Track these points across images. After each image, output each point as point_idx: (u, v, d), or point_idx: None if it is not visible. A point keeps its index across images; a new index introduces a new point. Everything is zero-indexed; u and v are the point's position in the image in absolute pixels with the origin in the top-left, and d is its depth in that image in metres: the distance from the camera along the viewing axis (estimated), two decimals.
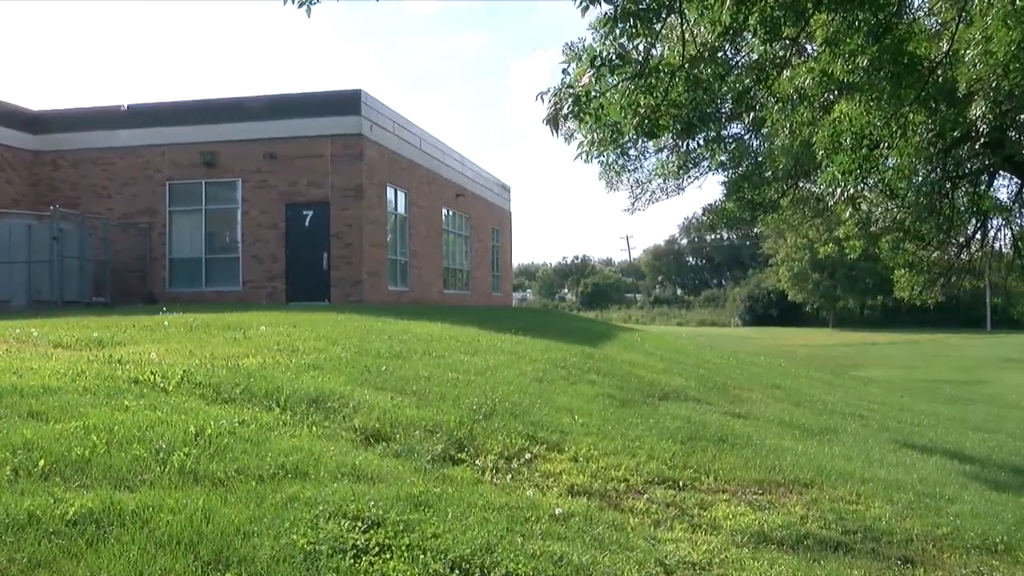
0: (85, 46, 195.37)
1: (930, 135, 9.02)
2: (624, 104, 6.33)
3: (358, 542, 3.32)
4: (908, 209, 11.91)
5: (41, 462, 3.63)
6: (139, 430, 4.20)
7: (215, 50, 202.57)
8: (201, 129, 19.16)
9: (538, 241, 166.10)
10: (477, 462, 4.83)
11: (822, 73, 7.51)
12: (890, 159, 8.79)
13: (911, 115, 7.75)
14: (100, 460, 3.75)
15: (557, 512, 4.07)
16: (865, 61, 6.82)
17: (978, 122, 7.74)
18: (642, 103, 6.45)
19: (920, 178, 11.03)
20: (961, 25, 7.46)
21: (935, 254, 14.17)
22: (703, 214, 15.46)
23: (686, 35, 6.56)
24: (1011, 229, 13.08)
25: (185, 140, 19.16)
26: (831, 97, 8.11)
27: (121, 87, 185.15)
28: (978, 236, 13.57)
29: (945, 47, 7.37)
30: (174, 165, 19.25)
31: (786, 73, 8.01)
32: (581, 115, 6.08)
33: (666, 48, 7.36)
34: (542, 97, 6.06)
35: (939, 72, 7.48)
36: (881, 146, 7.89)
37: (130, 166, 19.44)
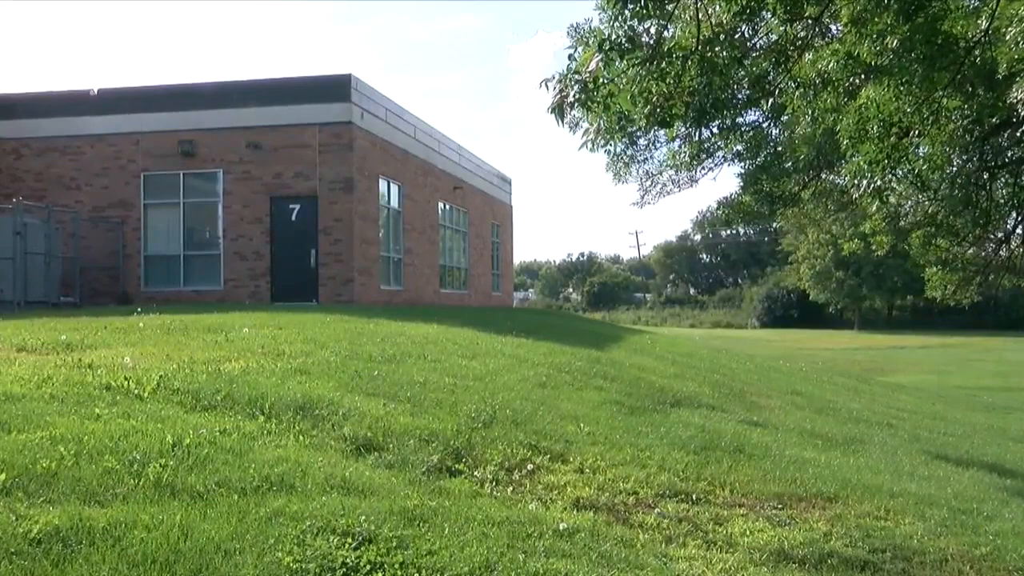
0: (51, 25, 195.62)
1: (966, 121, 8.98)
2: (635, 92, 6.32)
3: (348, 560, 3.32)
4: (941, 202, 11.87)
5: (2, 476, 3.62)
6: (111, 440, 4.20)
7: (194, 31, 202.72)
8: (179, 116, 19.15)
9: (541, 237, 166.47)
10: (476, 473, 4.84)
11: (847, 55, 7.49)
12: (921, 148, 8.76)
13: (945, 100, 7.72)
14: (68, 473, 3.74)
15: (561, 527, 4.07)
16: (895, 42, 6.80)
17: (1019, 107, 7.70)
18: (654, 91, 6.44)
19: (954, 168, 10.99)
20: (1003, 0, 7.40)
21: (971, 250, 14.14)
22: (718, 208, 15.46)
23: (700, 15, 6.55)
24: None
25: (161, 128, 19.14)
26: (857, 81, 8.08)
27: (91, 70, 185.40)
28: (1019, 231, 13.54)
29: (984, 24, 7.31)
30: (149, 155, 19.25)
31: (808, 56, 7.99)
32: (589, 103, 6.07)
33: (678, 29, 7.35)
34: (547, 84, 6.05)
35: (977, 52, 7.43)
36: (912, 134, 7.86)
37: (101, 156, 19.43)
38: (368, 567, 3.30)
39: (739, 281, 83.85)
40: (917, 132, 7.87)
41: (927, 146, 8.65)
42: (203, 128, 19.02)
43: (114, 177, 19.37)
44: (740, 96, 10.03)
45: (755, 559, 4.17)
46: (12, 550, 3.05)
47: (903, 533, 4.83)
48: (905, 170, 8.72)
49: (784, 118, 11.70)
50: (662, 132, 11.32)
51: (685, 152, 12.46)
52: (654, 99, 6.57)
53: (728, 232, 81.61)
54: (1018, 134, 10.45)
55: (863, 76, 7.88)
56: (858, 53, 7.21)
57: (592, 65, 5.99)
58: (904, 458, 7.83)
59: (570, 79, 6.02)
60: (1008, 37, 7.28)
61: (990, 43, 7.60)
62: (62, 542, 3.14)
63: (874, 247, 16.77)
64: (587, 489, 4.85)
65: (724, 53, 6.90)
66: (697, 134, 11.37)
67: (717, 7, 6.72)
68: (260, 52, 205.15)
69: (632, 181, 13.88)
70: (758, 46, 8.79)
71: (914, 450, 8.63)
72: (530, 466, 5.12)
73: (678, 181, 13.74)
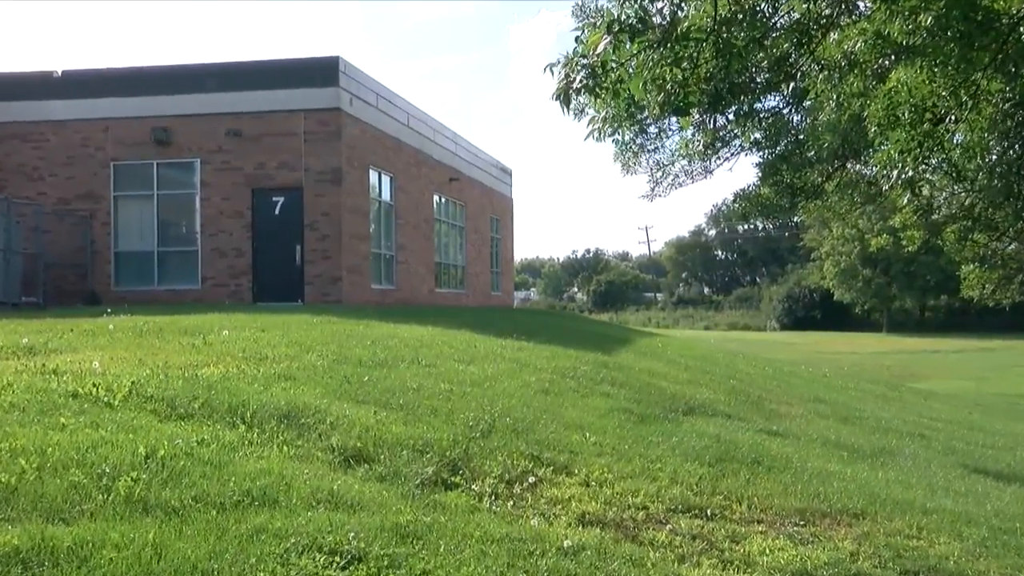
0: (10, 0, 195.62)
1: (1008, 105, 8.94)
2: (647, 79, 6.31)
3: None
4: (979, 193, 11.85)
5: None
6: (78, 452, 4.19)
7: (169, 9, 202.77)
8: (152, 101, 19.14)
9: (544, 232, 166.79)
10: (473, 487, 4.84)
11: (876, 35, 7.47)
12: (957, 135, 8.74)
13: (985, 82, 7.68)
14: (30, 488, 3.73)
15: (566, 545, 4.07)
16: (929, 19, 6.77)
17: None
18: (668, 77, 6.43)
19: (994, 157, 10.96)
20: None
21: (1011, 246, 14.10)
22: (734, 201, 15.40)
23: None
24: None
25: (133, 113, 19.13)
26: (887, 63, 8.06)
27: (54, 49, 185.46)
28: None
29: None
30: (120, 143, 19.24)
31: (833, 36, 7.97)
32: (596, 90, 6.06)
33: (692, 8, 7.34)
34: (551, 69, 6.04)
35: (1022, 29, 7.40)
36: (947, 120, 7.83)
37: (66, 143, 19.40)
38: None
39: (757, 280, 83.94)
40: (953, 118, 7.83)
41: (964, 133, 8.62)
42: (179, 114, 19.01)
43: (81, 167, 19.35)
44: (759, 80, 10.02)
45: None
46: None
47: (938, 554, 4.82)
48: (939, 159, 8.70)
49: (806, 103, 11.67)
50: (674, 119, 11.32)
51: (699, 141, 12.44)
52: (667, 86, 6.56)
53: (745, 227, 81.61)
54: None
55: (893, 57, 7.85)
56: (888, 32, 7.18)
57: (600, 48, 5.97)
58: (938, 472, 7.83)
59: (576, 63, 6.01)
60: None
61: None
62: (22, 564, 3.12)
63: (905, 243, 16.75)
64: (593, 504, 4.85)
65: (742, 34, 6.88)
66: (712, 121, 11.38)
67: None
68: (243, 32, 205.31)
69: (641, 172, 13.86)
70: (779, 25, 8.78)
71: (949, 463, 8.63)
72: (532, 479, 5.12)
73: (691, 172, 13.72)
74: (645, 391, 8.98)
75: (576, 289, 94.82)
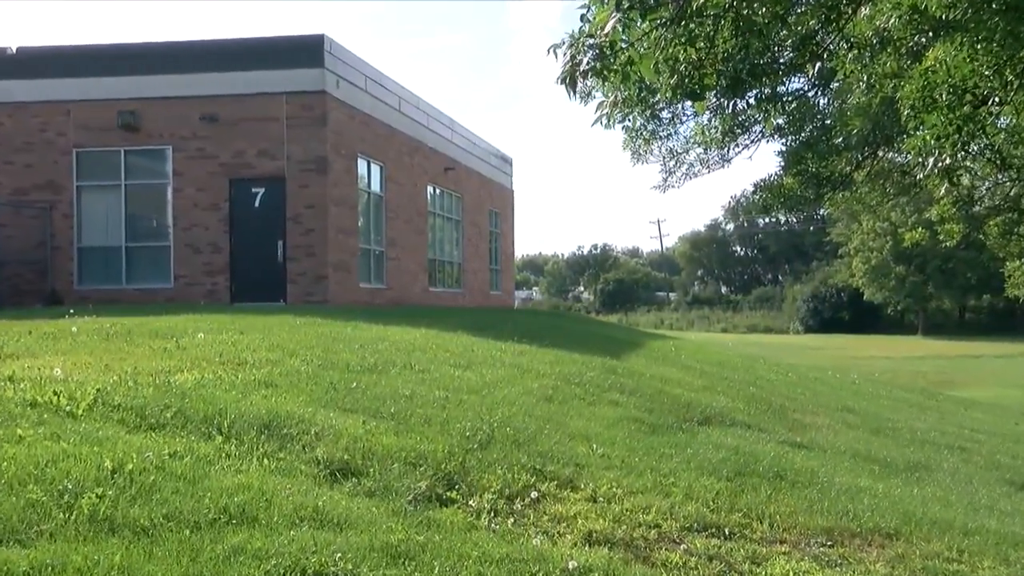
0: None
1: None
2: (659, 59, 6.31)
3: None
4: None
5: None
6: (36, 467, 4.19)
7: None
8: (119, 82, 19.14)
9: (547, 227, 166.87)
10: (471, 502, 4.85)
11: (912, 9, 7.46)
12: (1002, 118, 8.73)
13: None
14: None
15: (571, 566, 4.07)
16: None
17: None
18: (681, 58, 6.43)
19: None
20: None
21: None
22: (754, 192, 15.45)
23: None
24: None
25: (98, 95, 19.12)
26: (923, 40, 8.06)
27: (8, 25, 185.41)
28: None
29: None
30: (83, 128, 19.24)
31: (864, 11, 7.97)
32: (605, 72, 6.06)
33: None
34: (555, 51, 6.04)
35: None
36: (990, 102, 7.82)
37: (23, 128, 19.37)
38: None
39: (779, 278, 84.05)
40: (997, 99, 7.82)
41: (1009, 116, 8.61)
42: (148, 97, 19.00)
43: (40, 154, 19.34)
44: (782, 60, 10.02)
45: None
46: None
47: None
48: (981, 145, 8.69)
49: (834, 86, 11.69)
50: (689, 104, 11.32)
51: (716, 127, 12.43)
52: (681, 67, 6.56)
53: (766, 220, 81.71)
54: None
55: (931, 33, 7.85)
56: (925, 6, 7.18)
57: (609, 27, 5.96)
58: (981, 488, 7.83)
59: (582, 44, 6.01)
60: None
61: None
62: None
63: (942, 237, 16.76)
64: (601, 521, 4.85)
65: (764, 10, 6.89)
66: (730, 106, 11.37)
67: None
68: (225, 11, 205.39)
69: (654, 161, 13.87)
70: (804, 0, 8.78)
71: (993, 479, 8.63)
72: (534, 494, 5.13)
73: (707, 161, 13.73)
74: (657, 399, 8.99)
75: (582, 288, 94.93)
